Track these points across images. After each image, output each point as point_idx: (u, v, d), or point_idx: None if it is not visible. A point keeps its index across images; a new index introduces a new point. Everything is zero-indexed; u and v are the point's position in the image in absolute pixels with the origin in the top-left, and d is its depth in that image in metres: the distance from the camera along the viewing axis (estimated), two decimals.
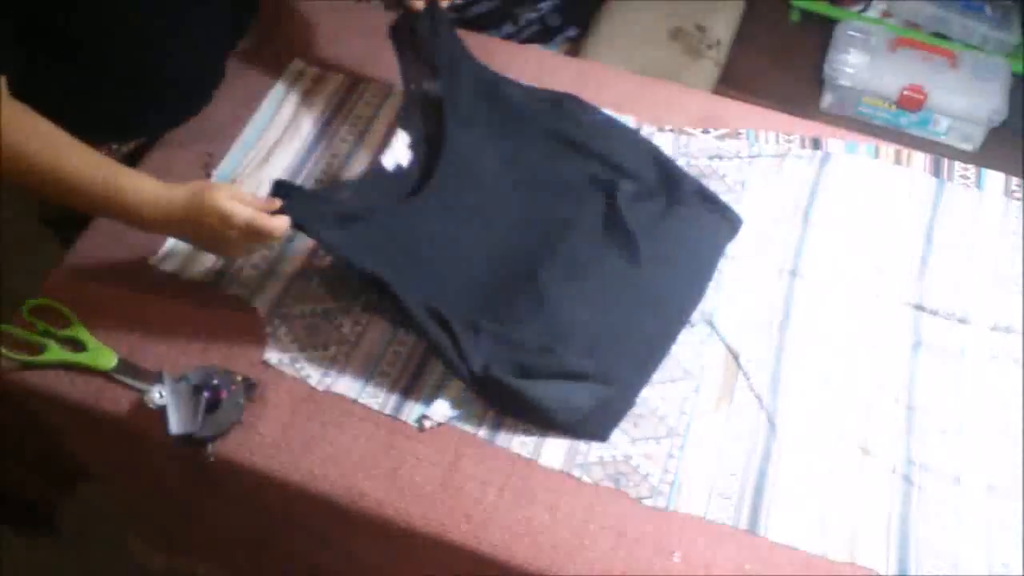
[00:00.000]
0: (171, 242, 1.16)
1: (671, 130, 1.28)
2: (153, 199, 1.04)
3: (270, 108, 1.32)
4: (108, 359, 1.06)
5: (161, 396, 0.99)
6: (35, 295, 1.11)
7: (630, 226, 1.13)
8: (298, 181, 1.23)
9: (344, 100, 1.33)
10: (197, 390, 1.00)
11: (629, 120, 1.28)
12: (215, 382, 1.01)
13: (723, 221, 1.17)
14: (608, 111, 1.28)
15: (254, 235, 1.02)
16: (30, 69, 1.05)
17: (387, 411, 1.04)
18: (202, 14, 1.21)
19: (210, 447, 1.01)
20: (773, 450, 1.01)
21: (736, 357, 1.08)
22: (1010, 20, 2.18)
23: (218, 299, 1.13)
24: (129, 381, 1.05)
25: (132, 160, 1.24)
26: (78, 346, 1.07)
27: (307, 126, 1.30)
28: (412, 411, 1.04)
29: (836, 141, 1.27)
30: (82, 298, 1.11)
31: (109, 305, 1.12)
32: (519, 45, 1.47)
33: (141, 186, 1.04)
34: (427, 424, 1.03)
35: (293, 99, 1.33)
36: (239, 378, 1.03)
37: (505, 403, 1.03)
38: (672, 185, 1.18)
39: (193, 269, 1.15)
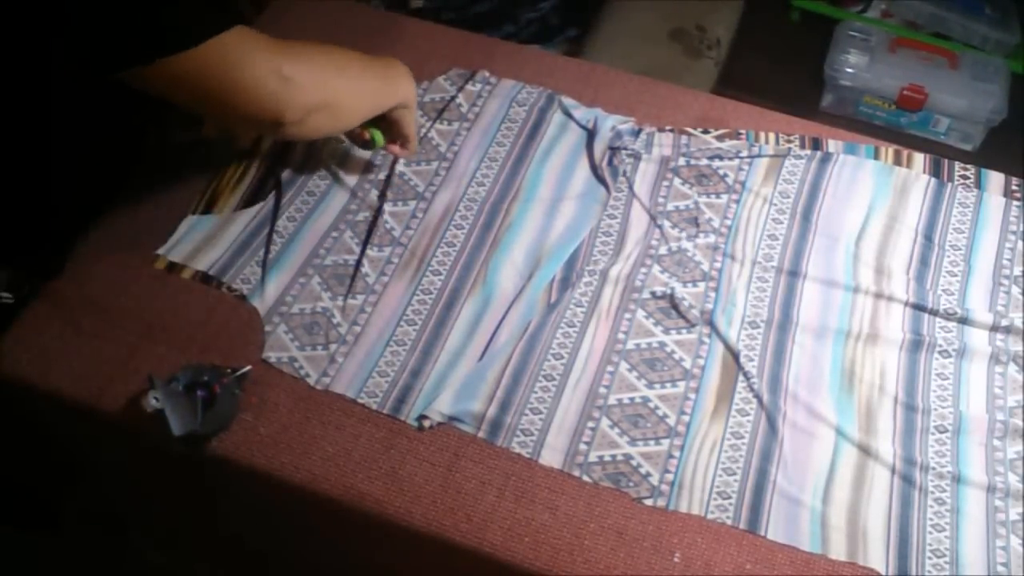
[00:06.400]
0: (179, 232, 1.17)
1: (671, 130, 1.28)
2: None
3: None
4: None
5: (156, 400, 0.97)
6: None
7: None
8: (298, 180, 1.23)
9: None
10: (190, 389, 1.00)
11: (629, 120, 1.28)
12: (205, 378, 1.01)
13: None
14: (598, 109, 1.29)
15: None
16: None
17: (386, 411, 1.04)
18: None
19: (214, 442, 1.01)
20: (773, 450, 1.01)
21: (736, 357, 1.08)
22: (1010, 20, 2.18)
23: (217, 298, 1.13)
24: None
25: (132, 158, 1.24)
26: None
27: None
28: (411, 411, 1.04)
29: (836, 141, 1.27)
30: (82, 298, 1.12)
31: (108, 305, 1.12)
32: (519, 45, 1.47)
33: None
34: (427, 424, 1.03)
35: None
36: (228, 370, 1.03)
37: None
38: None
39: (199, 260, 1.15)
